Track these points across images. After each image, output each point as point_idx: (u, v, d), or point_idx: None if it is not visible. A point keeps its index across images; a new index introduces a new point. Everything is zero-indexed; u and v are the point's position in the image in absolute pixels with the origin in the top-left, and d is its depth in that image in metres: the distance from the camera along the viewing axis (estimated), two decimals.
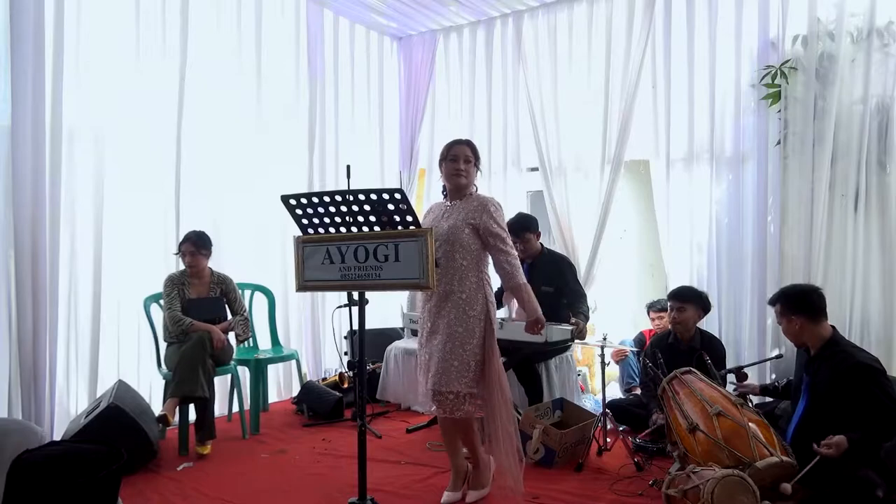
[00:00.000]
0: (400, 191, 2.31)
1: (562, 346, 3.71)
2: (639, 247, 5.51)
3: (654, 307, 4.57)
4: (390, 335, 4.90)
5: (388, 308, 5.25)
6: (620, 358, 4.62)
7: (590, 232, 4.58)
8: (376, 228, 2.40)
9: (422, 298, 2.76)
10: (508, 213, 4.19)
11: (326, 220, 2.46)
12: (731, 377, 3.41)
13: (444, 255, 2.62)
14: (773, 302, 2.91)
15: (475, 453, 2.83)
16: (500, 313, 4.17)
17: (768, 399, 3.48)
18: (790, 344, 3.36)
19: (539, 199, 4.98)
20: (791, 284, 3.09)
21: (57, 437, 3.32)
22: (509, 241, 2.70)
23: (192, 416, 3.51)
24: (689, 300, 3.57)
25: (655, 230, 4.45)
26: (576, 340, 3.50)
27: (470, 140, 2.85)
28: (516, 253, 2.72)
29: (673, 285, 4.23)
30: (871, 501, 2.35)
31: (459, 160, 2.71)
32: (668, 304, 3.69)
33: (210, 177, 4.32)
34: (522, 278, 2.70)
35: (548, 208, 4.82)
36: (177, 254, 3.83)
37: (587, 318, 3.68)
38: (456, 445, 2.84)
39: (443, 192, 2.86)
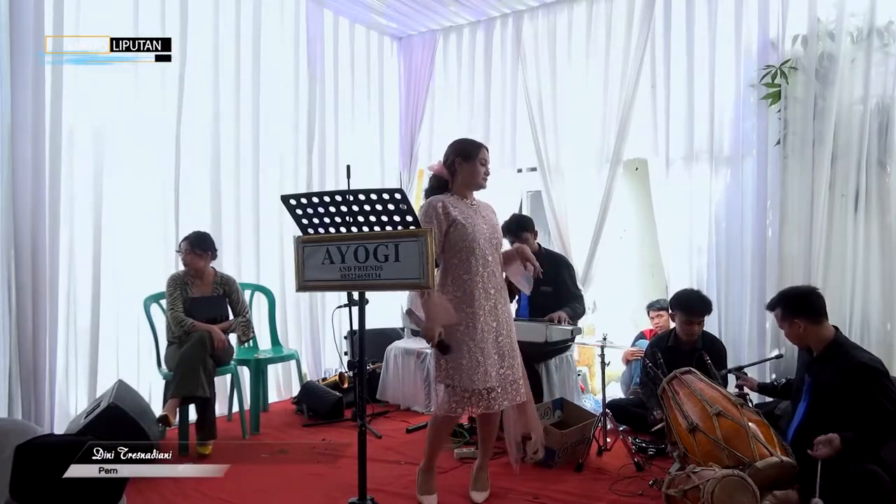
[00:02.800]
0: (400, 191, 2.31)
1: (562, 346, 3.71)
2: (638, 247, 5.51)
3: (653, 306, 4.57)
4: (390, 335, 4.90)
5: (388, 308, 5.25)
6: (635, 358, 4.58)
7: (588, 231, 4.57)
8: (376, 228, 2.40)
9: (470, 305, 2.66)
10: (507, 213, 4.21)
11: (326, 220, 2.46)
12: (731, 377, 3.41)
13: (495, 251, 2.78)
14: (772, 307, 2.87)
15: (490, 451, 2.90)
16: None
17: (768, 399, 3.48)
18: (790, 344, 3.36)
19: (538, 199, 4.98)
20: (788, 287, 3.05)
21: None
22: None
23: (193, 416, 3.51)
24: (704, 313, 3.54)
25: (655, 230, 4.45)
26: (549, 326, 3.45)
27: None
28: None
29: (672, 286, 4.22)
30: (878, 495, 2.35)
31: (487, 164, 2.80)
32: (682, 315, 3.54)
33: (210, 177, 4.31)
34: None
35: (546, 208, 4.82)
36: (178, 251, 3.83)
37: (577, 316, 3.69)
38: (442, 446, 2.94)
39: (446, 186, 2.81)
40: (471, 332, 2.64)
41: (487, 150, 2.82)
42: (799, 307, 2.74)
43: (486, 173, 2.79)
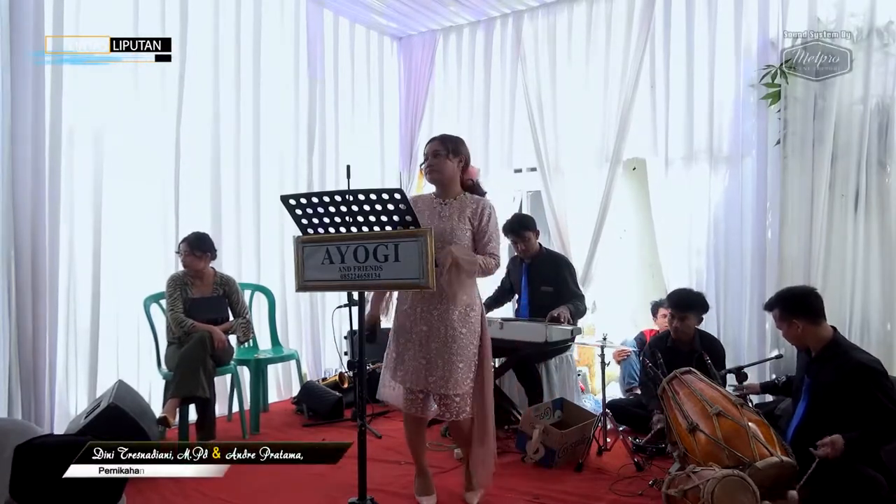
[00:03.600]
0: (400, 191, 2.31)
1: (562, 346, 3.71)
2: (639, 247, 5.51)
3: (662, 304, 4.55)
4: None
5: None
6: (622, 358, 4.60)
7: (588, 231, 4.57)
8: (376, 228, 2.40)
9: (406, 301, 2.70)
10: (507, 213, 4.21)
11: (326, 220, 2.46)
12: (731, 377, 3.41)
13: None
14: (770, 307, 2.86)
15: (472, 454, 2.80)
16: (499, 313, 4.18)
17: (768, 399, 3.48)
18: (790, 344, 3.36)
19: (537, 199, 4.98)
20: (786, 288, 3.03)
21: None
22: (498, 245, 2.71)
23: (193, 416, 3.51)
24: (692, 308, 3.53)
25: (655, 230, 4.45)
26: (550, 324, 3.46)
27: (444, 135, 2.79)
28: (499, 261, 2.69)
29: (672, 286, 4.22)
30: (875, 501, 2.35)
31: (429, 156, 2.69)
32: (669, 311, 3.62)
33: (210, 177, 4.31)
34: (485, 265, 2.64)
35: (546, 208, 4.82)
36: (177, 252, 3.83)
37: (578, 314, 3.68)
38: (422, 448, 2.84)
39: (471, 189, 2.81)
40: (396, 328, 2.73)
41: (435, 140, 2.72)
42: (797, 307, 2.74)
43: (429, 165, 2.69)
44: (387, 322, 2.95)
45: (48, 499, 1.82)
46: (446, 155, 2.68)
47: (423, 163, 2.73)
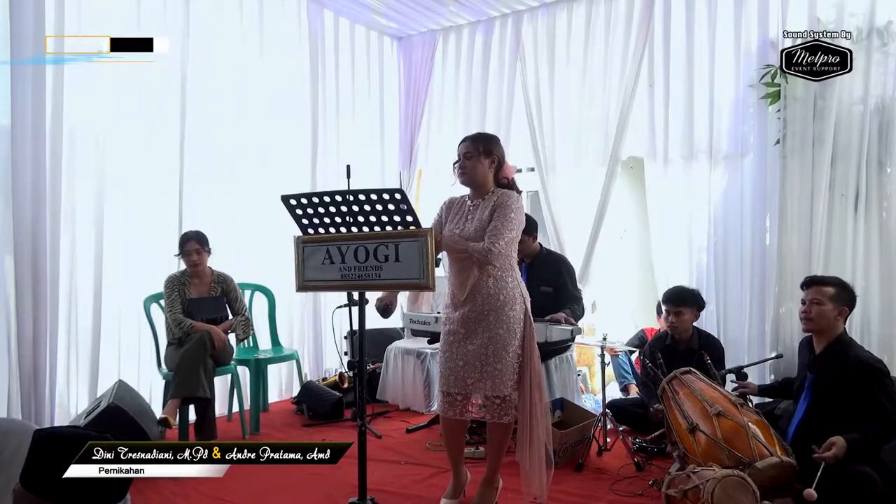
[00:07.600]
0: (400, 191, 2.31)
1: (562, 346, 3.72)
2: (639, 246, 5.50)
3: None
4: (390, 335, 4.89)
5: None
6: (613, 355, 4.56)
7: (586, 231, 4.57)
8: (376, 228, 2.40)
9: (447, 304, 2.70)
10: None
11: (326, 220, 2.46)
12: (731, 377, 3.41)
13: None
14: (826, 282, 2.80)
15: (498, 468, 2.75)
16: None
17: (768, 399, 3.48)
18: (790, 344, 3.36)
19: (536, 200, 4.99)
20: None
21: None
22: (506, 233, 2.51)
23: (192, 416, 3.50)
24: (685, 303, 3.54)
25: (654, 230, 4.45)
26: (549, 325, 3.44)
27: (477, 134, 2.77)
28: (500, 247, 2.49)
29: (667, 286, 4.22)
30: (870, 497, 2.35)
31: (461, 157, 2.67)
32: (664, 307, 3.65)
33: (211, 177, 4.31)
34: (472, 250, 2.52)
35: (544, 207, 4.82)
36: (178, 255, 3.83)
37: (576, 318, 3.68)
38: (460, 451, 2.78)
39: (506, 186, 2.77)
40: (443, 332, 2.69)
41: (468, 140, 2.69)
42: (851, 300, 2.76)
43: (459, 166, 2.67)
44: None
45: (58, 489, 1.80)
46: (478, 156, 2.64)
47: (456, 162, 2.70)
